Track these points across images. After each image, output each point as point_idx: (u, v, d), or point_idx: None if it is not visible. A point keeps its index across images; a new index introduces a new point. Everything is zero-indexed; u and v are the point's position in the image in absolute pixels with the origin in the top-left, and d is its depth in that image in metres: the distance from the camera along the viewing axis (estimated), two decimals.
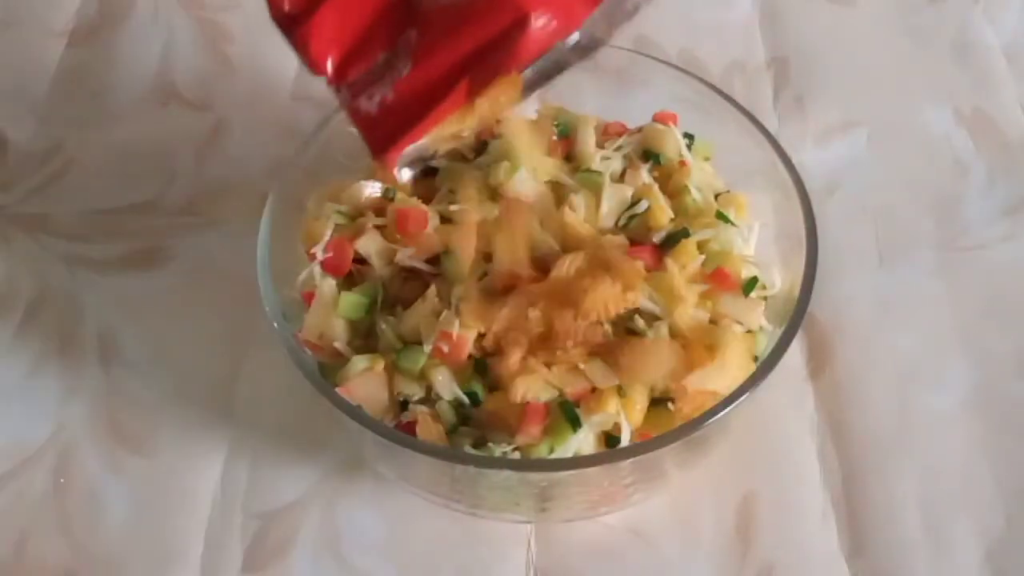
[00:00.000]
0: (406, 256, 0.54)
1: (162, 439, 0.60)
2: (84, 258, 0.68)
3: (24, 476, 0.59)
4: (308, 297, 0.55)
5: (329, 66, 0.44)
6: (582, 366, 0.50)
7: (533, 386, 0.49)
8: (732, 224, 0.56)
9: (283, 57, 0.77)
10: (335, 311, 0.53)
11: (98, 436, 0.60)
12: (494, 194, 0.55)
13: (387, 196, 0.57)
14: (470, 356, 0.51)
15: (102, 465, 0.59)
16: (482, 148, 0.58)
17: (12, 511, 0.58)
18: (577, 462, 0.49)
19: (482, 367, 0.51)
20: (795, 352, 0.62)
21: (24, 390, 0.62)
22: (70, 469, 0.59)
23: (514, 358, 0.50)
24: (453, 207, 0.55)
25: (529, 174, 0.55)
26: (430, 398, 0.51)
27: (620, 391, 0.50)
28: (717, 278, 0.54)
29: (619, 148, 0.59)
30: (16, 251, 0.68)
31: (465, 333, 0.51)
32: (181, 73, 0.77)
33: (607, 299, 0.50)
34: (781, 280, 0.56)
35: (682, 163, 0.59)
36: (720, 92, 0.59)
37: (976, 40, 0.78)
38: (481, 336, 0.51)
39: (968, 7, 0.80)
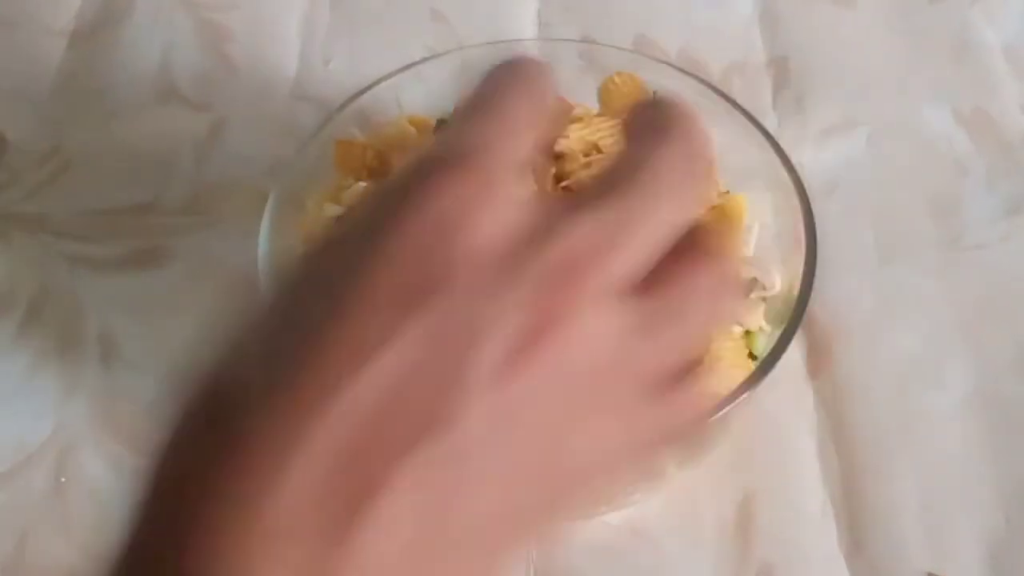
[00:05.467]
0: None
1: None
2: (84, 258, 0.68)
3: (24, 476, 0.59)
4: None
5: None
6: None
7: None
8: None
9: (283, 57, 0.79)
10: None
11: (99, 435, 0.60)
12: None
13: None
14: None
15: (103, 464, 0.59)
16: None
17: (12, 511, 0.58)
18: None
19: None
20: (795, 352, 0.62)
21: (24, 390, 0.62)
22: (71, 468, 0.59)
23: None
24: None
25: None
26: None
27: None
28: None
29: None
30: (16, 251, 0.68)
31: None
32: (181, 73, 0.77)
33: None
34: (781, 280, 0.56)
35: None
36: (720, 92, 0.59)
37: (976, 40, 0.78)
38: None
39: (968, 7, 0.80)
